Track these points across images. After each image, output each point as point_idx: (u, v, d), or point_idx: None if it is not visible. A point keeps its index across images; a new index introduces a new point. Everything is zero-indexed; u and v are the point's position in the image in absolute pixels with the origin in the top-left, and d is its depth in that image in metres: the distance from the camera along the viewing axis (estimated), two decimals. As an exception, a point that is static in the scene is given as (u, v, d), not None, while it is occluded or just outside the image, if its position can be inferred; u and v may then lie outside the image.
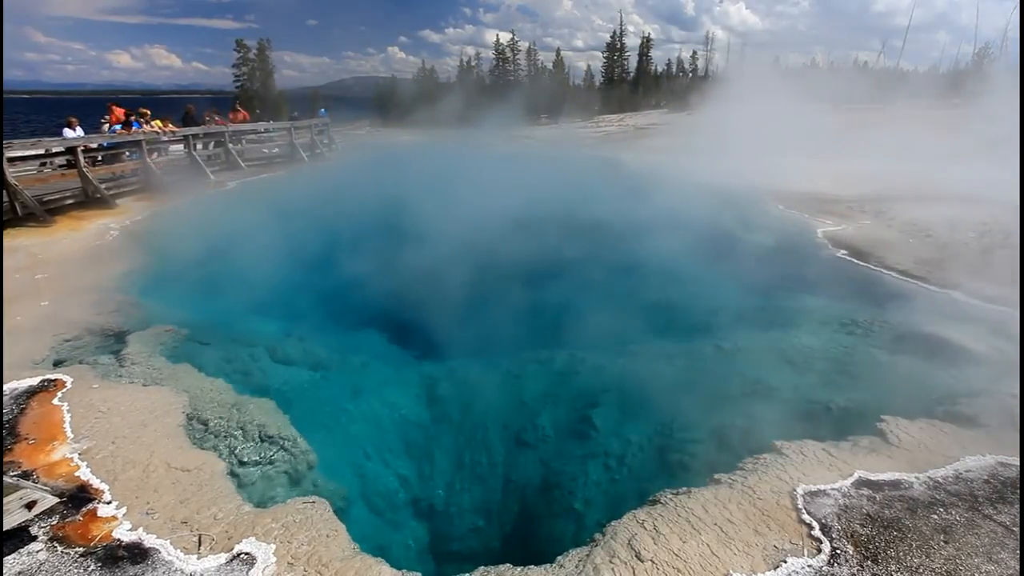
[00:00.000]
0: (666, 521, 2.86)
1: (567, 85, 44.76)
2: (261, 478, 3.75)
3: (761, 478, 3.19)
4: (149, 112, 14.56)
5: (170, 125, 14.89)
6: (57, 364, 4.70)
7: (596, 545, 2.78)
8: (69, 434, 3.62)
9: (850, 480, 3.14)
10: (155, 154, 13.73)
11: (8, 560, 2.60)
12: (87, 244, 8.60)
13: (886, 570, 2.51)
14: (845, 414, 4.21)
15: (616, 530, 2.84)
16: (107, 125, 13.55)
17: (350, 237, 10.05)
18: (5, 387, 4.16)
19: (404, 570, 2.71)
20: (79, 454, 3.41)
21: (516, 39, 44.89)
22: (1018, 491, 3.01)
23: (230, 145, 16.11)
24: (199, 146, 15.12)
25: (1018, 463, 3.24)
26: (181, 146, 14.63)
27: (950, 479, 3.13)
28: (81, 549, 2.69)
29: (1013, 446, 3.40)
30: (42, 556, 2.63)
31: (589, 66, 50.25)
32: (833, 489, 3.07)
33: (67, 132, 12.18)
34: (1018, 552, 2.59)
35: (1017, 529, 2.73)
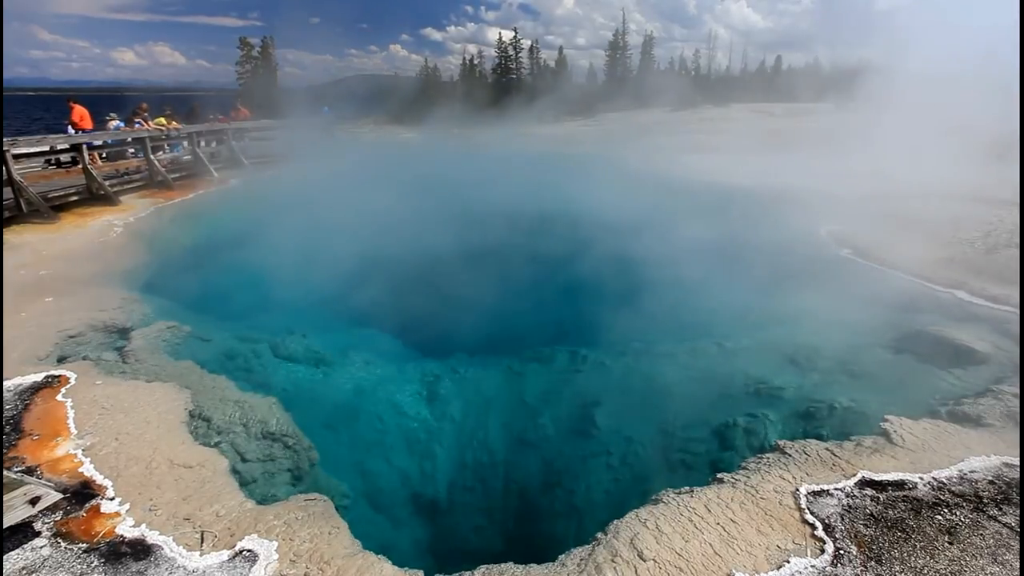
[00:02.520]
0: (668, 520, 2.85)
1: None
2: (263, 475, 3.76)
3: (764, 477, 3.18)
4: (147, 106, 14.53)
5: (174, 123, 14.91)
6: (61, 360, 4.72)
7: (598, 544, 2.77)
8: (73, 430, 3.63)
9: (853, 480, 3.13)
10: (159, 151, 13.76)
11: (12, 556, 2.61)
12: (91, 241, 8.63)
13: (890, 571, 2.50)
14: (848, 413, 4.20)
15: (618, 529, 2.84)
16: (70, 127, 12.75)
17: (351, 234, 10.05)
18: (9, 383, 4.18)
19: (406, 568, 2.72)
20: (83, 450, 3.42)
21: (518, 37, 44.76)
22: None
23: (233, 142, 16.14)
24: (202, 143, 15.15)
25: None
26: (185, 143, 14.67)
27: (954, 480, 3.12)
28: (84, 545, 2.70)
29: (1018, 446, 3.38)
30: (46, 552, 2.64)
31: (592, 64, 49.94)
32: (836, 489, 3.06)
33: (71, 129, 12.23)
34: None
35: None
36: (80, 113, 13.09)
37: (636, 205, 12.02)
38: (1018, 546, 2.62)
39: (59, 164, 11.99)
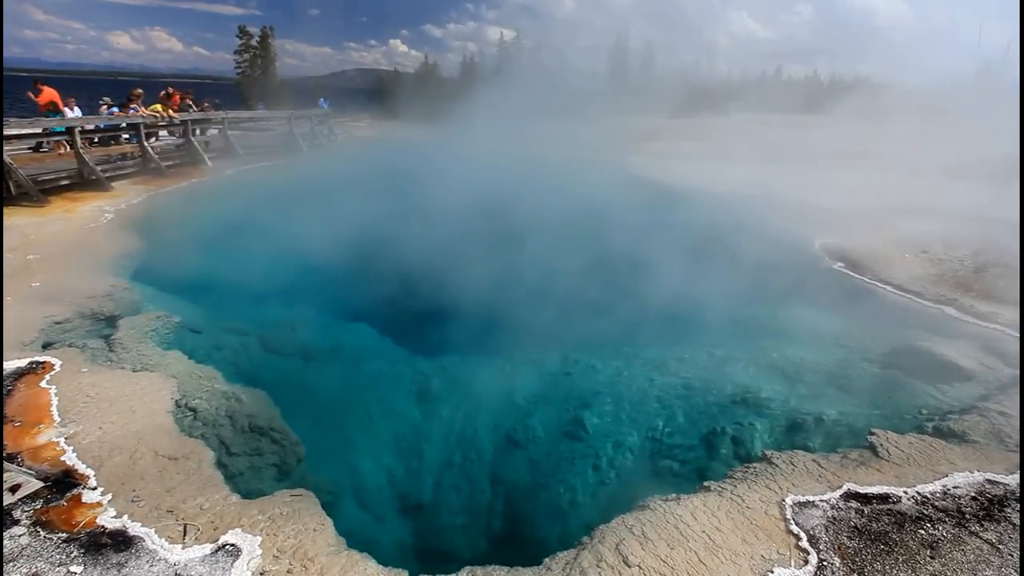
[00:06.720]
0: (654, 527, 2.86)
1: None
2: (249, 469, 3.73)
3: (750, 487, 3.19)
4: (141, 91, 14.32)
5: (170, 111, 14.75)
6: (46, 346, 4.65)
7: (584, 548, 2.77)
8: (56, 418, 3.58)
9: (839, 492, 3.15)
10: (152, 138, 13.63)
11: (-11, 543, 2.57)
12: (81, 226, 8.52)
13: (872, 583, 2.52)
14: (835, 426, 4.23)
15: (604, 534, 2.84)
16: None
17: (345, 229, 9.98)
18: (-8, 368, 4.11)
19: (390, 567, 2.70)
20: (65, 438, 3.37)
21: (520, 37, 44.73)
22: (1006, 509, 3.03)
23: (229, 132, 16.02)
24: (197, 131, 15.02)
25: (1007, 481, 3.26)
26: (179, 131, 14.55)
27: (938, 495, 3.15)
28: (64, 535, 2.66)
29: (1001, 464, 3.42)
30: (24, 540, 2.60)
31: (592, 68, 49.88)
32: (822, 501, 3.08)
33: (65, 112, 12.07)
34: (1002, 570, 2.61)
35: (1003, 547, 2.74)
36: (50, 96, 12.20)
37: (622, 209, 12.07)
38: (998, 562, 2.65)
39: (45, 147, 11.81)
